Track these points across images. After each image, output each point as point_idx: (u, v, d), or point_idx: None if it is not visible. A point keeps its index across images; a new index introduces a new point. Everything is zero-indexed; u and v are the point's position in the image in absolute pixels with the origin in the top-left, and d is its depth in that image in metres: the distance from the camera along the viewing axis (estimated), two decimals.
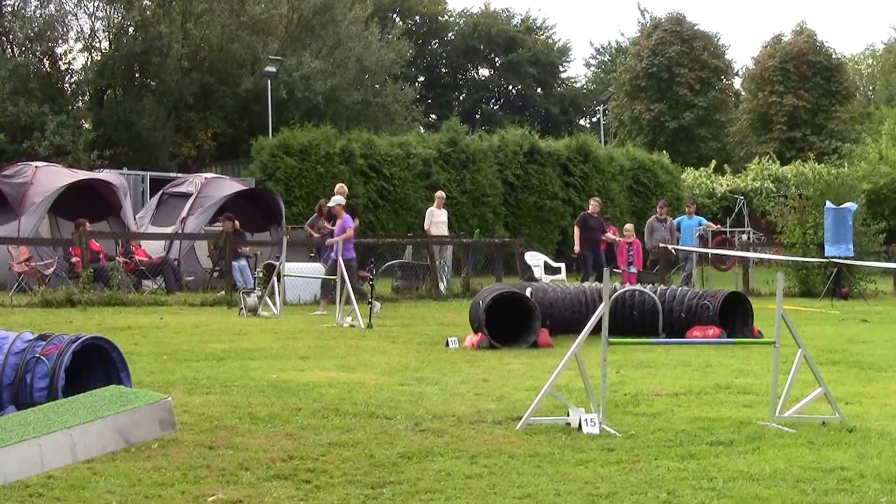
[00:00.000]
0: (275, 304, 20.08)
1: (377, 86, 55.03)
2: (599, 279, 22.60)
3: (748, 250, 33.30)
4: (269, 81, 43.61)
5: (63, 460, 4.80)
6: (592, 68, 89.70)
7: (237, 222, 25.43)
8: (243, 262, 24.89)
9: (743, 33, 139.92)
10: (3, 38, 45.40)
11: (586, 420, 8.77)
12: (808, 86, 64.05)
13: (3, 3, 45.17)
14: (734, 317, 16.99)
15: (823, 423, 9.21)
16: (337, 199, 22.55)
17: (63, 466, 5.42)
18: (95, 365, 9.02)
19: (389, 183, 35.79)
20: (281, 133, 35.39)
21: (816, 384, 9.39)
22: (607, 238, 27.52)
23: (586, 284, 18.88)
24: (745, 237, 41.01)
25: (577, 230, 27.07)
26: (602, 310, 8.91)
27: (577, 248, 26.88)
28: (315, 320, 19.19)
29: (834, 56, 66.64)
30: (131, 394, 5.12)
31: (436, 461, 7.71)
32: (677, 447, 8.27)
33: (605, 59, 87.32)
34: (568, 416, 9.02)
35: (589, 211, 27.63)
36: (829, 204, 28.04)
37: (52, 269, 23.83)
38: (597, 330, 9.01)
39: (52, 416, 5.07)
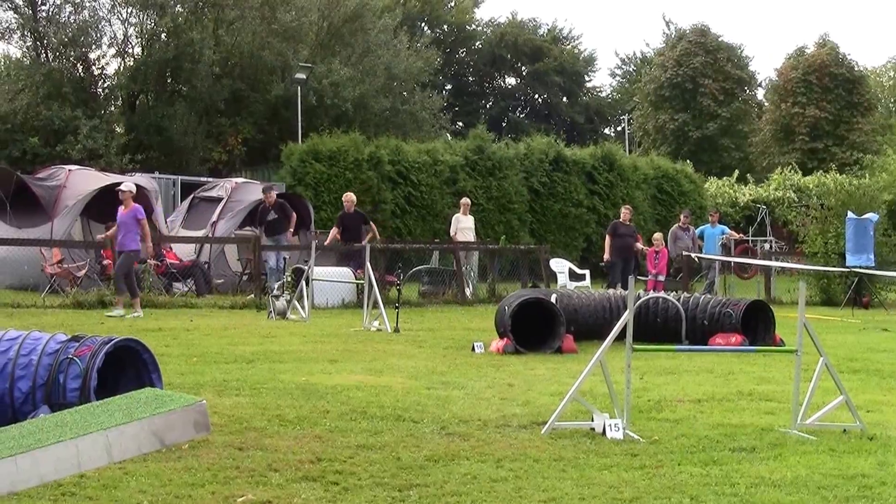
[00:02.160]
0: (303, 307, 20.21)
1: (405, 93, 55.18)
2: (625, 287, 22.67)
3: (770, 259, 33.26)
4: (299, 88, 43.75)
5: (99, 461, 4.88)
6: (617, 78, 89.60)
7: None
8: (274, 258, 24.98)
9: (766, 45, 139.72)
10: (38, 42, 45.75)
11: (610, 425, 8.85)
12: (830, 97, 63.88)
13: (38, 8, 45.52)
14: (756, 325, 17.03)
15: (844, 430, 9.26)
16: (128, 185, 21.33)
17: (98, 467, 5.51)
18: (127, 366, 9.04)
19: (417, 189, 35.85)
20: (310, 139, 35.52)
21: (838, 392, 9.44)
22: (636, 248, 27.55)
23: (611, 291, 18.94)
24: (767, 246, 40.95)
25: (607, 237, 27.19)
26: (626, 317, 9.00)
27: (606, 255, 26.96)
28: (343, 324, 19.28)
29: (856, 68, 66.45)
30: (166, 396, 5.21)
31: (462, 465, 7.79)
32: (700, 453, 8.34)
33: (630, 70, 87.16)
34: (592, 421, 9.09)
35: (620, 219, 27.74)
36: (850, 214, 28.02)
37: (83, 272, 24.02)
38: (621, 336, 9.11)
39: (88, 418, 5.14)
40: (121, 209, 20.70)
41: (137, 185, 27.76)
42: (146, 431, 4.79)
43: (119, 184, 27.71)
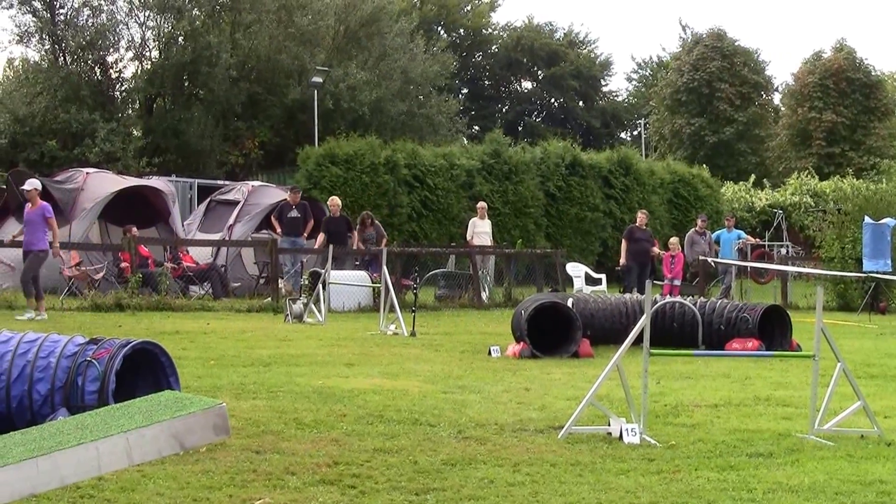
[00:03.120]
0: (320, 311, 20.25)
1: (422, 97, 55.28)
2: (641, 291, 22.65)
3: (787, 264, 33.20)
4: (315, 92, 43.88)
5: (119, 464, 4.90)
6: (634, 82, 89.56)
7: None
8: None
9: (783, 50, 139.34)
10: (56, 46, 45.98)
11: (627, 430, 8.86)
12: (847, 102, 63.66)
13: (56, 12, 45.73)
14: (773, 330, 17.00)
15: (862, 436, 9.25)
16: (32, 183, 20.61)
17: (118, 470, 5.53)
18: (144, 369, 9.07)
19: (433, 193, 35.86)
20: (327, 143, 35.55)
21: (855, 398, 9.43)
22: (652, 252, 27.53)
23: (627, 296, 18.93)
24: (783, 251, 40.84)
25: (623, 242, 27.21)
26: (644, 321, 9.00)
27: (622, 259, 26.99)
28: (360, 328, 19.32)
29: (873, 73, 66.17)
30: (186, 399, 5.22)
31: (479, 469, 7.81)
32: (717, 458, 8.34)
33: (647, 74, 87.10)
34: (609, 425, 9.11)
35: (637, 223, 27.76)
36: (867, 219, 27.94)
37: (101, 274, 24.09)
38: (637, 341, 9.12)
39: (108, 420, 5.16)
40: (27, 207, 20.12)
41: (155, 188, 28.01)
42: (166, 434, 4.81)
43: (137, 187, 28.00)
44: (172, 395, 5.44)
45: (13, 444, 4.88)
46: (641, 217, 27.89)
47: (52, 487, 4.66)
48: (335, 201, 26.31)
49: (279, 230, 25.87)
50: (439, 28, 75.37)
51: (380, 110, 49.16)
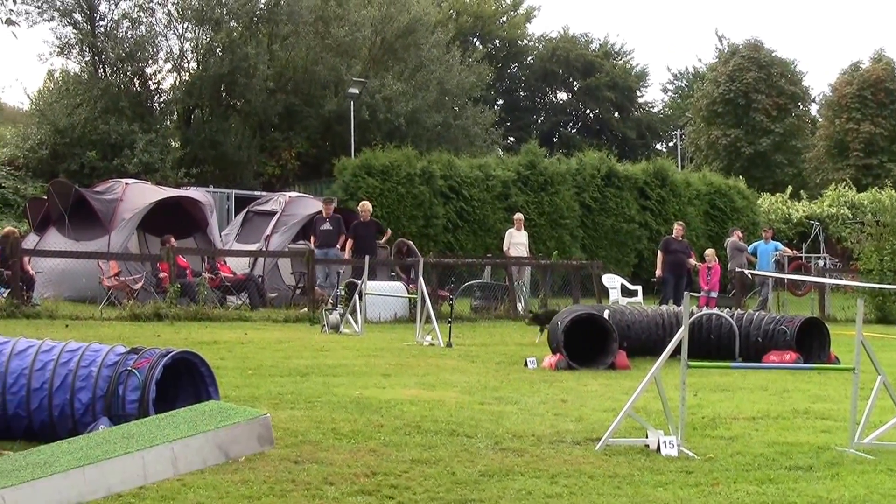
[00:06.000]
0: (356, 321, 20.32)
1: (457, 108, 55.35)
2: (677, 303, 22.61)
3: (824, 276, 33.06)
4: (352, 103, 44.02)
5: (165, 473, 4.94)
6: (669, 93, 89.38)
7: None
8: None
9: (820, 60, 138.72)
10: (96, 58, 46.34)
11: (665, 442, 8.84)
12: (885, 113, 63.36)
13: (96, 24, 46.08)
14: (811, 342, 16.92)
15: None
16: None
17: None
18: (184, 379, 9.12)
19: (469, 204, 35.91)
20: (363, 153, 35.68)
21: (895, 411, 9.41)
22: (688, 264, 27.48)
23: (664, 308, 18.90)
24: (821, 263, 40.65)
25: (659, 254, 27.18)
26: (681, 333, 9.00)
27: (658, 271, 26.96)
28: (396, 338, 19.33)
29: None
30: (230, 409, 5.26)
31: (516, 480, 7.80)
32: (756, 471, 8.30)
33: (683, 85, 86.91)
34: (646, 437, 9.10)
35: (673, 235, 27.72)
36: None
37: (140, 284, 24.23)
38: (674, 353, 9.11)
39: (154, 430, 5.20)
40: None
41: (194, 199, 28.17)
42: (211, 444, 4.85)
43: (175, 197, 28.17)
44: (217, 406, 5.48)
45: (60, 452, 4.94)
46: (678, 229, 27.85)
47: (99, 496, 4.70)
48: (366, 206, 26.31)
49: (314, 243, 25.95)
50: (475, 39, 75.43)
51: (416, 121, 49.26)
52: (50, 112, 44.67)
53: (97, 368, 8.82)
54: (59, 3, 45.79)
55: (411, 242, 27.82)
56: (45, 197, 28.80)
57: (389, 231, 27.06)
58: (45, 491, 4.59)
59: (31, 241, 26.54)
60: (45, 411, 8.74)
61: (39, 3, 45.16)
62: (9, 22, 23.43)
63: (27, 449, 6.60)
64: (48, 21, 46.17)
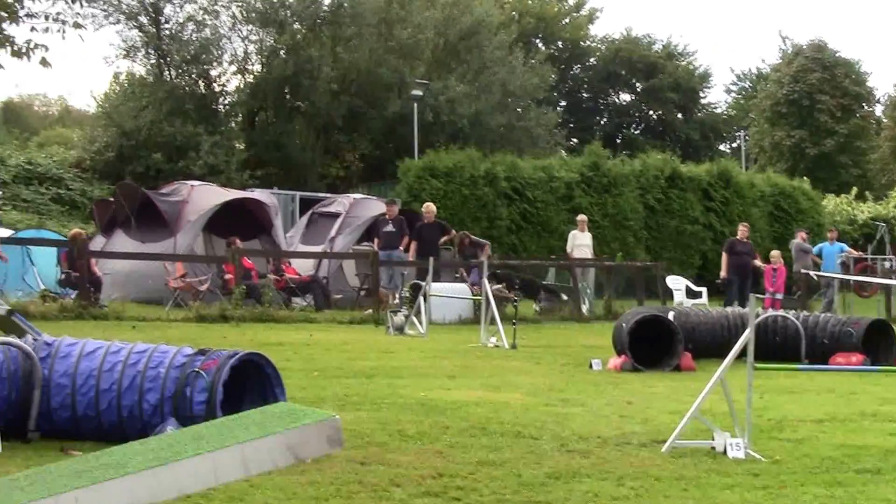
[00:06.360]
0: (421, 323, 20.36)
1: (520, 110, 55.33)
2: (742, 304, 22.46)
3: (890, 277, 32.69)
4: (415, 104, 44.11)
5: (235, 475, 4.96)
6: (733, 94, 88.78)
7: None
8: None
9: (885, 61, 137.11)
10: (161, 60, 46.79)
11: (731, 444, 8.80)
12: None
13: (162, 26, 46.54)
14: (878, 345, 16.76)
15: None
16: None
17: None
18: (251, 380, 9.15)
19: (532, 206, 35.89)
20: (426, 155, 35.75)
21: None
22: (753, 265, 27.30)
23: (729, 309, 18.78)
24: (887, 264, 40.24)
25: (724, 255, 27.04)
26: (747, 335, 8.95)
27: (722, 272, 26.81)
28: (461, 340, 19.36)
29: None
30: (300, 411, 5.29)
31: (583, 482, 7.78)
32: (823, 474, 8.23)
33: (746, 86, 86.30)
34: (713, 440, 9.06)
35: (738, 236, 27.57)
36: None
37: (206, 286, 24.42)
38: (740, 355, 9.06)
39: (224, 432, 5.23)
40: None
41: (259, 201, 28.36)
42: (281, 446, 4.88)
43: (240, 199, 28.36)
44: (286, 407, 5.52)
45: (133, 453, 5.00)
46: (743, 230, 27.69)
47: (171, 498, 4.74)
48: (430, 208, 26.35)
49: (377, 244, 26.03)
50: (538, 40, 75.31)
51: (479, 123, 49.31)
52: (116, 115, 45.20)
53: (165, 370, 8.87)
54: (124, 7, 46.31)
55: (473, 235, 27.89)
56: (112, 199, 29.08)
57: (454, 231, 27.05)
58: (116, 491, 4.63)
59: (98, 243, 26.79)
60: (114, 412, 8.81)
61: (106, 7, 45.69)
62: (76, 25, 23.72)
63: (97, 449, 6.68)
64: (114, 24, 46.80)
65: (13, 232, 29.34)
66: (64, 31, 22.75)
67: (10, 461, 7.91)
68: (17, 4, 21.75)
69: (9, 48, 21.87)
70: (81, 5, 23.85)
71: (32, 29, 22.41)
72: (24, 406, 8.85)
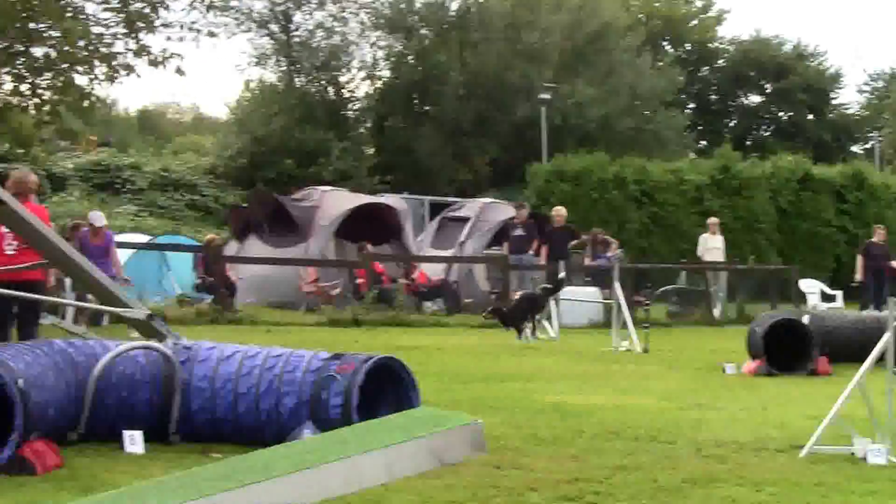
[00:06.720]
0: (552, 327, 20.33)
1: (649, 112, 54.94)
2: (879, 308, 22.06)
3: None
4: (543, 108, 44.06)
5: (379, 479, 5.03)
6: (865, 94, 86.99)
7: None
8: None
9: None
10: (291, 67, 47.41)
11: (872, 450, 8.67)
12: None
13: (291, 34, 47.16)
14: None
15: None
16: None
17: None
18: (385, 384, 9.17)
19: (662, 209, 35.66)
20: (555, 159, 35.72)
21: None
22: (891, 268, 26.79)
23: (865, 313, 18.45)
24: None
25: (859, 258, 26.64)
26: (887, 339, 8.80)
27: (858, 275, 26.40)
28: (592, 344, 19.29)
29: None
30: (443, 416, 5.34)
31: (721, 487, 7.70)
32: None
33: (879, 86, 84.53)
34: (852, 445, 8.92)
35: (874, 239, 27.15)
36: None
37: (338, 290, 24.66)
38: (880, 358, 8.92)
39: (367, 436, 5.30)
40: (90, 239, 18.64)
41: (389, 205, 28.58)
42: (425, 450, 4.93)
43: (371, 204, 28.61)
44: (429, 412, 5.57)
45: (279, 456, 5.09)
46: (880, 233, 27.24)
47: (317, 500, 4.81)
48: (560, 211, 26.29)
49: (507, 249, 26.07)
50: (665, 43, 74.73)
51: (607, 126, 49.12)
52: (248, 121, 45.92)
53: (302, 374, 8.95)
54: (255, 15, 47.03)
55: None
56: (245, 205, 29.54)
57: (583, 236, 26.99)
58: (262, 494, 4.73)
59: (232, 249, 27.23)
60: (253, 415, 8.93)
61: (237, 15, 46.46)
62: (210, 34, 24.23)
63: (237, 452, 6.79)
64: (245, 32, 47.54)
65: (151, 238, 29.97)
66: (199, 41, 23.25)
67: (153, 463, 8.09)
68: (153, 14, 22.29)
69: (146, 58, 22.44)
70: (216, 15, 24.33)
71: (168, 38, 22.99)
72: (164, 409, 9.03)
